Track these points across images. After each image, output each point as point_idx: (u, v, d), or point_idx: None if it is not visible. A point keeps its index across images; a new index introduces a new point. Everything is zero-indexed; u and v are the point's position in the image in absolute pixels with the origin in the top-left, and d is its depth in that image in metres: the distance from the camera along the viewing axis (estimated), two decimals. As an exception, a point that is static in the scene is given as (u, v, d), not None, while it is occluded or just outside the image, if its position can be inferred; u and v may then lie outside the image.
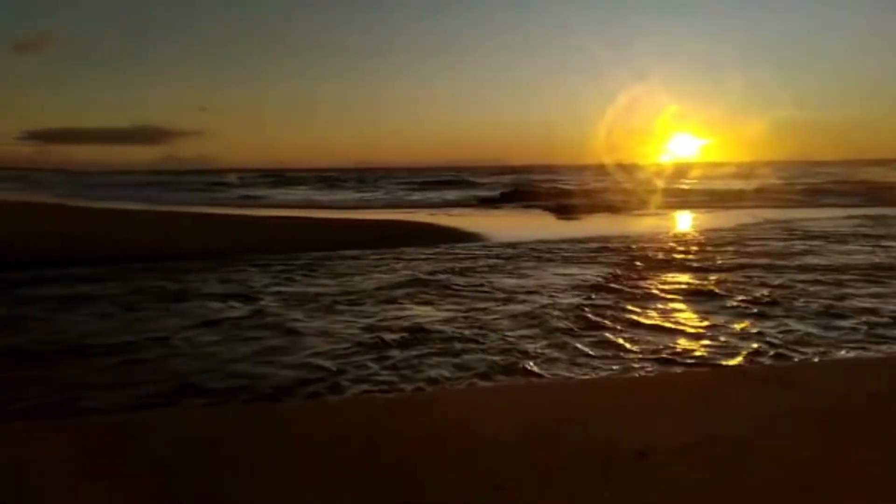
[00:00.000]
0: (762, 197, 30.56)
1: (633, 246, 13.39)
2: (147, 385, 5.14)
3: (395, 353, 5.90)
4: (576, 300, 8.02)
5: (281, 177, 70.29)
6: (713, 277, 9.61)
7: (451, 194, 37.87)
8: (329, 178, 68.75)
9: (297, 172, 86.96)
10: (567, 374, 5.36)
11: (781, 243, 13.60)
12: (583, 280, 9.43)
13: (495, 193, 35.31)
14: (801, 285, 8.84)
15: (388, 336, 6.42)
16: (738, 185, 36.61)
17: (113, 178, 74.60)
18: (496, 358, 5.73)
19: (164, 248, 12.72)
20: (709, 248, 13.02)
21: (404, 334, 6.50)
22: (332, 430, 4.04)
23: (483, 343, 6.19)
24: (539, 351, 5.92)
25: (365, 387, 5.05)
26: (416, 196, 37.32)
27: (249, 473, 3.37)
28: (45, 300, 8.17)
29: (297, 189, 47.26)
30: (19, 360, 5.75)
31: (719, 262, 11.15)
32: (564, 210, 24.65)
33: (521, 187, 39.56)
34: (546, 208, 26.20)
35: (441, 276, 9.76)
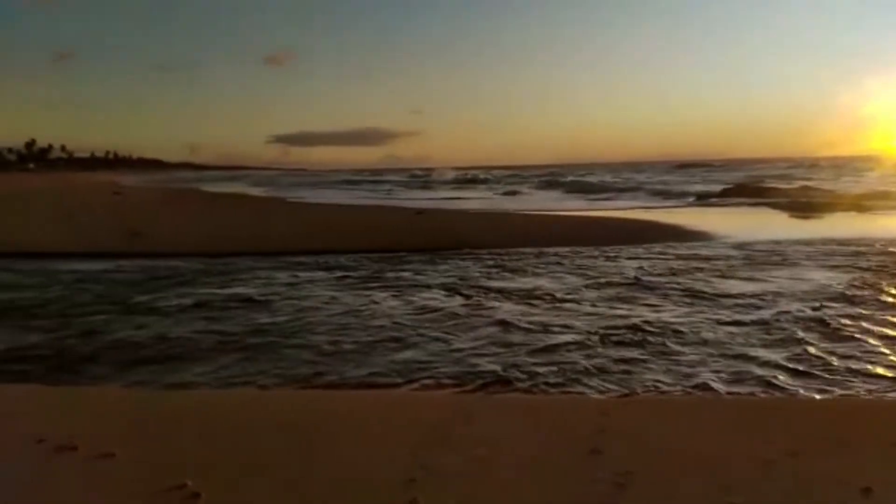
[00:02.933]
0: None
1: (886, 250, 11.72)
2: (373, 365, 5.60)
3: (610, 353, 5.79)
4: (818, 309, 7.24)
5: (483, 174, 71.94)
6: None
7: (667, 189, 36.05)
8: (538, 175, 69.24)
9: (503, 170, 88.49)
10: (813, 392, 4.86)
11: None
12: (826, 286, 8.47)
13: (716, 189, 32.92)
14: None
15: (603, 335, 6.31)
16: None
17: (342, 177, 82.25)
18: (725, 366, 5.37)
19: (391, 243, 13.74)
20: None
21: (622, 334, 6.35)
22: (556, 426, 4.08)
23: (711, 350, 5.83)
24: (777, 362, 5.43)
25: (581, 385, 5.03)
26: (630, 191, 36.01)
27: (477, 463, 3.53)
28: (294, 284, 9.28)
29: (504, 186, 48.03)
30: (282, 334, 6.58)
31: None
32: (797, 208, 22.29)
33: (744, 183, 36.53)
34: (775, 206, 23.86)
35: (662, 278, 9.35)
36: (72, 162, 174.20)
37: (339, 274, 10.14)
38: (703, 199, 28.83)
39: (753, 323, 6.71)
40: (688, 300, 7.87)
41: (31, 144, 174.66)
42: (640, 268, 10.14)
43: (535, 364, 5.50)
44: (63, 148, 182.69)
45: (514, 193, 39.49)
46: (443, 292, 8.59)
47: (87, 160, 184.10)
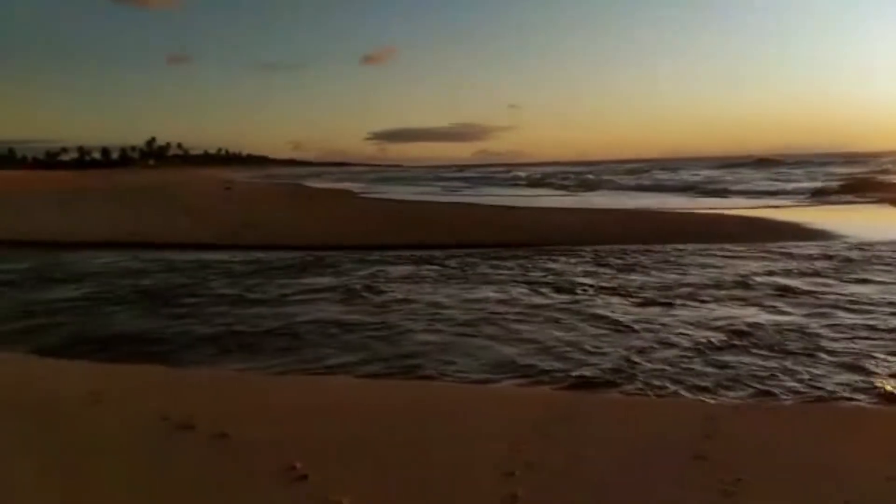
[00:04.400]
0: None
1: None
2: (471, 359, 5.61)
3: (721, 356, 5.54)
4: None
5: (575, 169, 70.32)
6: None
7: (778, 185, 34.03)
8: (636, 169, 67.28)
9: (602, 164, 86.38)
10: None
11: None
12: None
13: (833, 184, 30.71)
14: None
15: (709, 336, 6.06)
16: None
17: (435, 173, 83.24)
18: (847, 375, 5.01)
19: (481, 238, 13.77)
20: None
21: (735, 337, 6.05)
22: (659, 429, 3.97)
23: (831, 356, 5.45)
24: (903, 373, 5.03)
25: (686, 388, 4.84)
26: (737, 186, 34.21)
27: (577, 461, 3.49)
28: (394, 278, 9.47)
29: (601, 179, 46.92)
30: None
31: None
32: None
33: (865, 177, 33.89)
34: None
35: (773, 278, 8.83)
36: (187, 158, 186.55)
37: (466, 272, 10.23)
38: (820, 196, 26.90)
39: (881, 330, 6.23)
40: (809, 303, 7.37)
41: (151, 142, 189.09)
42: (747, 268, 9.65)
43: (641, 365, 5.35)
44: (179, 145, 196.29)
45: (612, 189, 38.52)
46: (535, 288, 8.51)
47: (201, 157, 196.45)
